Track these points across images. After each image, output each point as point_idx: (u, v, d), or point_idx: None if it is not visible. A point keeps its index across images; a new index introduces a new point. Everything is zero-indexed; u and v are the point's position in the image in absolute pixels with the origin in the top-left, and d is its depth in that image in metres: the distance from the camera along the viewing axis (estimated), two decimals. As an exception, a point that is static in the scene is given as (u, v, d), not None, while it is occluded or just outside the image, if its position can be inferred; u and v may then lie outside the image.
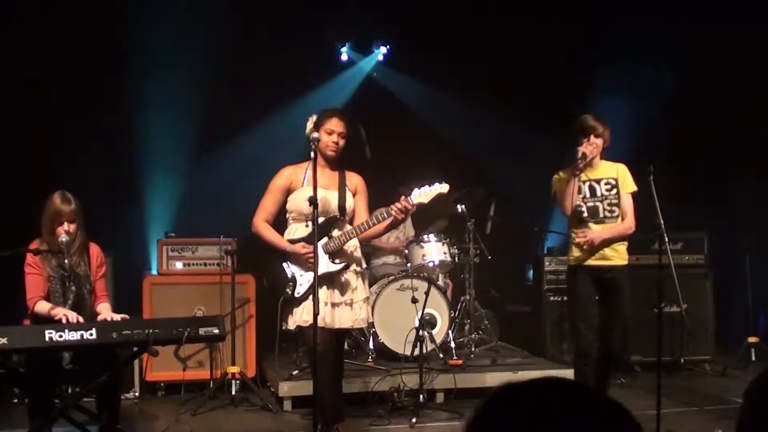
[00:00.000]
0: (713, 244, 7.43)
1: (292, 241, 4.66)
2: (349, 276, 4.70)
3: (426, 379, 5.80)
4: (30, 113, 6.87)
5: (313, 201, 4.27)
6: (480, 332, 7.09)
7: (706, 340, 7.20)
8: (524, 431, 1.16)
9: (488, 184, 7.37)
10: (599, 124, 5.09)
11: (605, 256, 5.11)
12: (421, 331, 5.81)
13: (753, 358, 7.21)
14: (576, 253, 5.17)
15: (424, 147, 8.00)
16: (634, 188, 5.15)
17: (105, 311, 4.58)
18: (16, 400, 5.86)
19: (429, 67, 8.12)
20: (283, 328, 4.71)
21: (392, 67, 8.67)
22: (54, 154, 6.83)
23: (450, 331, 6.57)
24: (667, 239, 4.92)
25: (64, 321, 4.24)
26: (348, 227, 4.69)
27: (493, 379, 6.22)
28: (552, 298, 7.24)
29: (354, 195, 4.81)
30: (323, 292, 4.52)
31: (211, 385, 6.16)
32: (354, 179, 4.85)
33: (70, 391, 5.06)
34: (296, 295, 4.61)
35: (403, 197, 4.55)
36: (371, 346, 6.50)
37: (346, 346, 6.02)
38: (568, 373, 5.92)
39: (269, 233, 4.72)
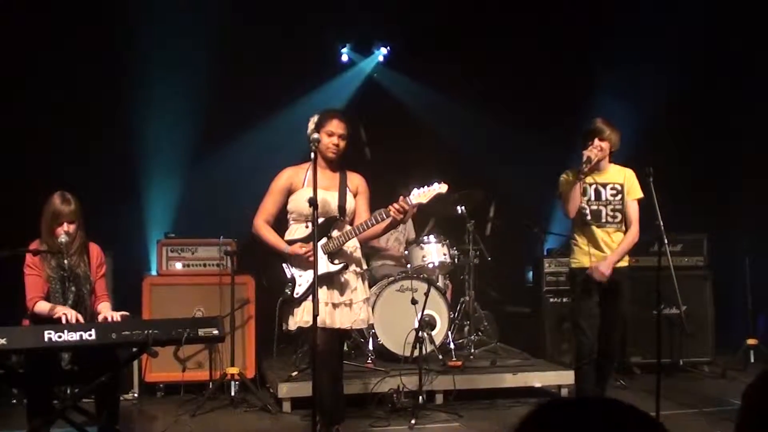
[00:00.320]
0: (712, 246, 7.43)
1: (291, 242, 4.66)
2: (349, 276, 4.70)
3: (425, 380, 5.80)
4: (30, 114, 6.87)
5: (312, 202, 4.27)
6: (479, 334, 7.09)
7: (705, 341, 7.20)
8: None
9: (488, 186, 7.37)
10: (606, 127, 5.08)
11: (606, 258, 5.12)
12: (420, 333, 5.81)
13: (752, 360, 7.22)
14: (577, 255, 5.18)
15: (423, 148, 8.01)
16: (641, 195, 5.14)
17: (105, 310, 4.58)
18: (15, 401, 5.88)
19: (429, 68, 8.12)
20: (283, 329, 4.71)
21: (392, 68, 8.67)
22: (54, 154, 6.83)
23: (449, 333, 6.57)
24: (666, 241, 4.92)
25: (63, 320, 4.25)
26: (347, 228, 4.69)
27: (493, 380, 6.23)
28: (552, 300, 7.25)
29: (355, 195, 4.81)
30: (323, 293, 4.52)
31: (211, 386, 6.16)
32: (355, 180, 4.85)
33: (69, 391, 5.04)
34: (295, 295, 4.61)
35: (401, 197, 4.55)
36: (371, 347, 6.50)
37: (345, 348, 6.02)
38: (568, 375, 5.95)
39: (269, 234, 4.72)
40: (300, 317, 4.58)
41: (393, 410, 5.70)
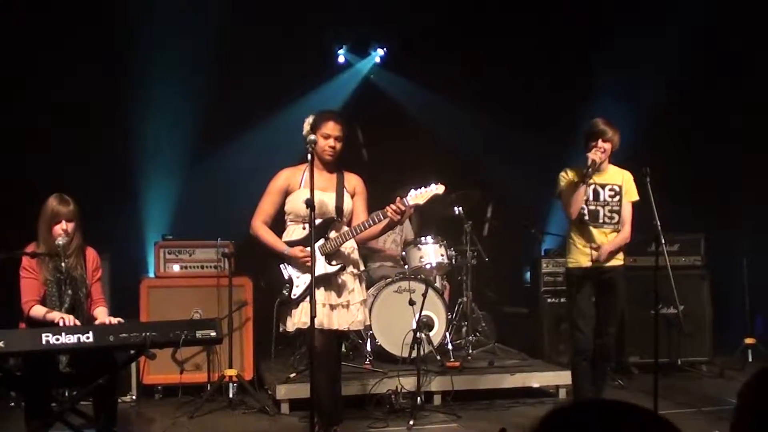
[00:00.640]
0: (710, 246, 7.44)
1: (290, 243, 4.66)
2: (346, 278, 4.70)
3: (423, 381, 5.81)
4: (30, 113, 6.86)
5: (310, 203, 4.27)
6: (477, 334, 7.10)
7: (702, 341, 7.21)
8: None
9: (485, 186, 7.37)
10: (608, 128, 5.09)
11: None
12: (418, 334, 5.80)
13: (750, 360, 7.22)
14: (574, 255, 5.20)
15: (420, 149, 8.01)
16: (637, 198, 5.19)
17: (101, 316, 4.57)
18: (12, 404, 5.87)
19: (426, 69, 8.12)
20: (281, 330, 4.71)
21: (389, 69, 8.67)
22: (54, 154, 6.83)
23: (447, 334, 6.58)
24: (663, 241, 4.93)
25: (60, 324, 4.24)
26: (345, 229, 4.69)
27: (491, 381, 6.23)
28: (549, 300, 7.26)
29: (353, 196, 4.81)
30: (320, 294, 4.52)
31: (209, 388, 6.16)
32: (353, 180, 4.85)
33: (66, 394, 5.05)
34: (293, 296, 4.61)
35: (398, 198, 4.55)
36: (369, 348, 6.50)
37: (343, 349, 6.02)
38: (566, 375, 5.95)
39: (267, 235, 4.72)
40: (298, 318, 4.59)
41: (391, 411, 5.72)
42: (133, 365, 5.90)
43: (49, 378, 4.37)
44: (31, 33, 6.81)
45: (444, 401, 6.02)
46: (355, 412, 5.59)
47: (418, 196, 4.57)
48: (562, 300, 6.88)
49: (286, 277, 4.66)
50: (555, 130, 7.80)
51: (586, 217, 5.14)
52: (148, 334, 4.12)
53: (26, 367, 4.35)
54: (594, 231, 5.14)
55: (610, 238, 5.17)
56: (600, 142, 5.06)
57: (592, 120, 5.17)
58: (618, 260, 5.21)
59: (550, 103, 8.03)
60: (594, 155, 5.02)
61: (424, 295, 5.92)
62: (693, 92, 8.19)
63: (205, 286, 6.51)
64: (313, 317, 4.16)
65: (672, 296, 5.17)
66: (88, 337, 4.04)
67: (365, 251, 6.37)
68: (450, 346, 6.56)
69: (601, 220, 5.15)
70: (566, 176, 5.19)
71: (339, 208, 4.71)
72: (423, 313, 5.97)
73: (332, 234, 4.67)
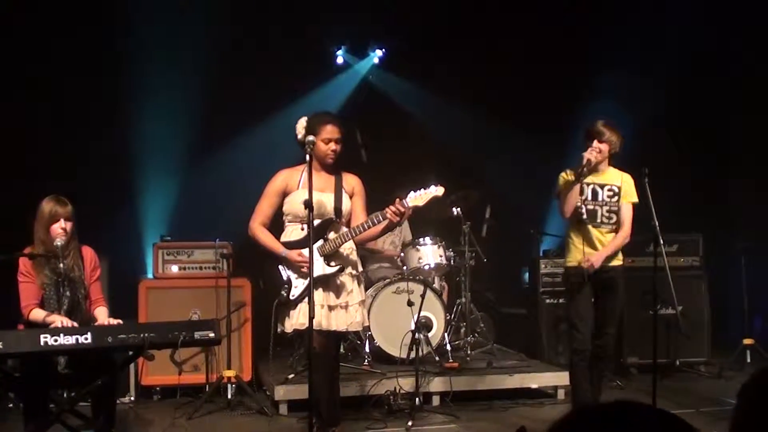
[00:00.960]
0: (708, 246, 7.44)
1: (288, 245, 4.65)
2: (345, 279, 4.69)
3: (422, 382, 5.82)
4: (30, 113, 6.86)
5: (308, 204, 4.27)
6: (476, 335, 7.09)
7: (701, 341, 7.21)
8: None
9: (484, 187, 7.37)
10: (607, 129, 5.09)
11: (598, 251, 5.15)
12: (417, 334, 5.80)
13: (748, 360, 7.22)
14: (573, 254, 5.20)
15: (419, 150, 8.01)
16: (636, 199, 5.19)
17: (102, 316, 4.57)
18: (11, 405, 5.85)
19: (425, 70, 8.13)
20: (279, 331, 4.71)
21: (388, 70, 8.67)
22: (53, 154, 6.82)
23: (446, 334, 6.58)
24: (662, 241, 4.93)
25: (59, 325, 4.23)
26: (344, 230, 4.69)
27: (489, 382, 6.23)
28: (548, 301, 7.26)
29: (351, 197, 4.81)
30: (318, 295, 4.52)
31: (207, 389, 6.16)
32: (351, 181, 4.85)
33: (65, 395, 5.04)
34: (291, 297, 4.61)
35: (397, 200, 4.54)
36: (367, 349, 6.50)
37: (341, 350, 6.02)
38: (564, 376, 5.95)
39: (265, 237, 4.72)
40: (296, 319, 4.59)
41: (390, 412, 5.72)
42: (132, 366, 5.91)
43: (48, 379, 4.37)
44: (31, 33, 6.82)
45: (443, 402, 6.02)
46: (353, 412, 5.59)
47: (417, 197, 4.57)
48: (561, 301, 6.89)
49: (284, 278, 4.66)
50: (554, 131, 7.80)
51: (584, 216, 5.14)
52: (146, 335, 4.12)
53: (25, 368, 4.34)
54: (592, 230, 5.14)
55: (608, 238, 5.17)
56: (596, 143, 5.07)
57: (594, 120, 5.19)
58: (617, 260, 5.21)
59: (549, 104, 8.02)
60: (589, 154, 5.02)
61: (423, 296, 5.91)
62: (693, 92, 8.19)
63: (204, 287, 6.51)
64: (311, 318, 4.16)
65: (670, 297, 5.17)
66: (86, 338, 4.03)
67: (364, 252, 6.37)
68: (449, 347, 6.56)
69: (599, 220, 5.15)
70: (566, 176, 5.19)
71: (338, 208, 4.71)
72: (421, 313, 5.97)
73: (331, 235, 4.67)
